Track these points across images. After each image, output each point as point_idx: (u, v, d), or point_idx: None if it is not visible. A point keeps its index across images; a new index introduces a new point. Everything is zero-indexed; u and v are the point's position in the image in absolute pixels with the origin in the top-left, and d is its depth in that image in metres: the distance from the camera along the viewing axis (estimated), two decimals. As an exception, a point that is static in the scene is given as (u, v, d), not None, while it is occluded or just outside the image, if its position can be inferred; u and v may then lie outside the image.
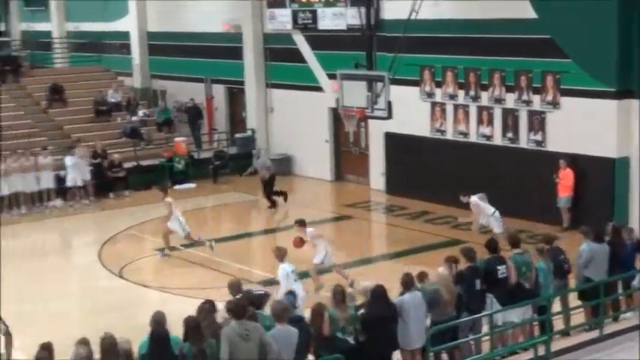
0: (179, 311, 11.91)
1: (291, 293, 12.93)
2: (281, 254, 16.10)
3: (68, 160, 27.92)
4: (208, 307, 11.96)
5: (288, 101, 31.21)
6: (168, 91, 36.45)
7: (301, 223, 18.82)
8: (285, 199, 26.61)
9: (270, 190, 26.48)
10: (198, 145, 32.98)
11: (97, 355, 10.79)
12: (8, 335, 14.91)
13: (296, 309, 12.35)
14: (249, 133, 32.53)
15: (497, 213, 20.79)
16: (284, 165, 31.31)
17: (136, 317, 15.52)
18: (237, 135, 32.89)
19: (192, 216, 24.30)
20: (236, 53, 32.64)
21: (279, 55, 31.49)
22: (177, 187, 29.59)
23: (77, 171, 27.83)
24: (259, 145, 32.07)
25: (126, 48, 38.50)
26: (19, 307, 18.39)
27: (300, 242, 18.94)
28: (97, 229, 25.55)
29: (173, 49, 36.05)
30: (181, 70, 35.58)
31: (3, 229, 25.39)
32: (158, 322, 10.98)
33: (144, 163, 30.37)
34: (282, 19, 30.84)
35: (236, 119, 34.41)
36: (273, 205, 26.34)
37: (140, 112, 33.19)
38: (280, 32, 31.06)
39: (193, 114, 33.54)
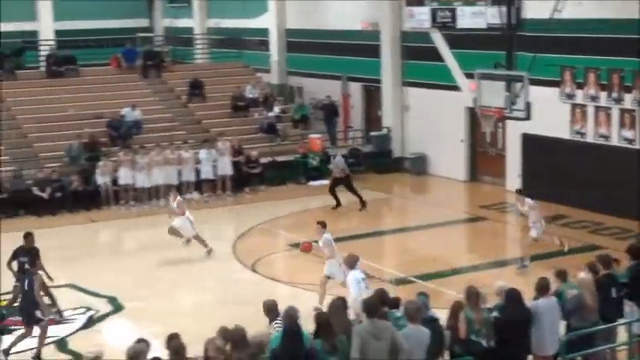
0: (309, 307, 11.97)
1: (423, 294, 12.79)
2: (351, 262, 15.70)
3: (202, 154, 28.48)
4: (339, 303, 11.96)
5: (424, 100, 31.01)
6: (305, 88, 36.76)
7: (322, 225, 18.12)
8: (364, 206, 26.22)
9: (352, 189, 26.44)
10: (333, 143, 33.10)
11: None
12: (44, 327, 15.37)
13: (429, 310, 12.21)
14: (384, 131, 32.51)
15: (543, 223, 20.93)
16: (419, 164, 31.20)
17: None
18: (373, 133, 32.92)
19: (325, 213, 24.39)
20: (373, 51, 32.62)
21: (417, 53, 31.32)
22: (311, 183, 29.90)
23: (212, 165, 28.37)
24: (394, 144, 32.08)
25: (265, 45, 38.98)
26: (154, 297, 18.88)
27: (308, 247, 18.92)
28: (232, 223, 25.96)
29: (311, 47, 36.30)
30: (318, 67, 35.80)
31: (142, 220, 26.11)
32: (291, 317, 11.02)
33: (279, 158, 30.67)
34: (420, 17, 30.66)
35: (372, 117, 34.40)
36: (339, 204, 26.16)
37: (276, 109, 33.52)
38: (418, 30, 30.89)
39: (329, 111, 33.67)
